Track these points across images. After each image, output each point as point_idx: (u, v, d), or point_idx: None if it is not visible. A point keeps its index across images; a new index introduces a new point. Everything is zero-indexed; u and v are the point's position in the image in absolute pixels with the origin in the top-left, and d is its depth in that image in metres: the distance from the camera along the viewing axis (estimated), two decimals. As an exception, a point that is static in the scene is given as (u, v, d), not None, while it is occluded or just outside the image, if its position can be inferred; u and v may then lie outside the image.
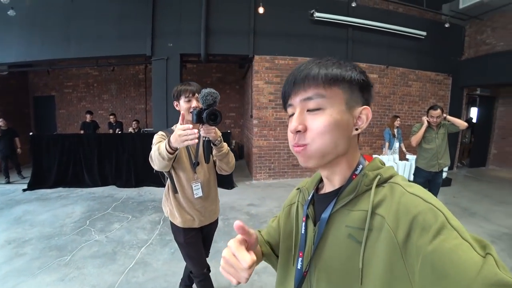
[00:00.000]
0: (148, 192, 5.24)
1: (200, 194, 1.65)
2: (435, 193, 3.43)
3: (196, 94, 1.56)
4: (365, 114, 0.55)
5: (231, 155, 1.62)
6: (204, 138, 1.43)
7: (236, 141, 8.29)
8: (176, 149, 1.35)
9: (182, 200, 1.66)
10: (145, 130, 6.93)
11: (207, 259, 1.87)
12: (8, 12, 5.32)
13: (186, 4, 5.60)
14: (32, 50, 5.81)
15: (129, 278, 2.51)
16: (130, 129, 6.79)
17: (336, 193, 0.56)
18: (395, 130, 5.39)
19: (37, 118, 8.97)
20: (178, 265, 2.60)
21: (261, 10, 5.35)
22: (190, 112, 1.51)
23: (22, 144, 6.49)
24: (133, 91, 8.68)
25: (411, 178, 5.24)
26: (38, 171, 5.82)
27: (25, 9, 5.71)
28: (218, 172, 1.73)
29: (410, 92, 6.83)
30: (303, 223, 0.62)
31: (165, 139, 1.46)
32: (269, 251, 0.76)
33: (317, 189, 0.66)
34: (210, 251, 1.99)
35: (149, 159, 1.49)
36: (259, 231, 0.81)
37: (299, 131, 0.53)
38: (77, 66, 8.00)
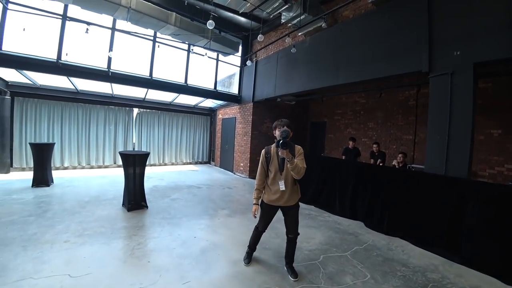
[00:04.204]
0: (401, 248, 3.89)
1: (283, 188, 2.72)
2: None
3: (285, 127, 2.71)
4: None
5: (299, 169, 2.56)
6: (280, 156, 2.58)
7: None
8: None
9: (269, 187, 2.82)
10: (413, 167, 5.58)
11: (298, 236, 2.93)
12: (291, 50, 6.51)
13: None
14: (309, 81, 6.61)
15: None
16: (394, 162, 5.76)
17: None
18: None
19: (311, 140, 10.68)
20: None
21: None
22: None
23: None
24: (401, 119, 7.57)
25: None
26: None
27: (305, 48, 6.69)
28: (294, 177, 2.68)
29: None
30: None
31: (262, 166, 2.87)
32: None
33: None
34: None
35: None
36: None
37: None
38: (346, 93, 8.36)
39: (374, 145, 6.62)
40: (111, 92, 9.09)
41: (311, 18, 6.49)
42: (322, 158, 6.45)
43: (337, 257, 3.43)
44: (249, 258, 3.17)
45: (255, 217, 2.85)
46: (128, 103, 10.04)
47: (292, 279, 2.81)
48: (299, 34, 7.48)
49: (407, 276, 3.06)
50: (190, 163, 12.26)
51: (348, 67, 5.62)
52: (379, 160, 6.38)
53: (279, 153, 2.49)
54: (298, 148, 2.73)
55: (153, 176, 8.72)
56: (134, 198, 5.02)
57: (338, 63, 5.82)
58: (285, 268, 2.99)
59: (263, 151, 2.83)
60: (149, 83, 7.93)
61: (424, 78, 4.68)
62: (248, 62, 8.24)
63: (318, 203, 5.84)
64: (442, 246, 3.76)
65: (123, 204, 5.15)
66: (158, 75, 8.11)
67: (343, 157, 6.85)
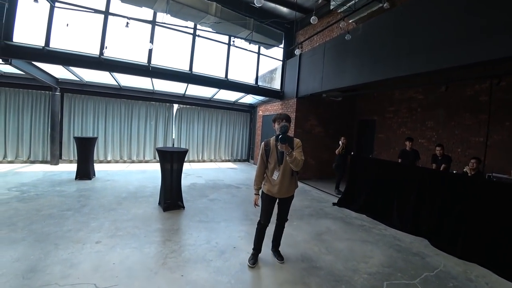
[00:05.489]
0: (484, 279, 3.06)
1: (275, 177, 2.83)
2: None
3: (284, 121, 2.77)
4: None
5: (297, 161, 2.64)
6: (279, 149, 2.67)
7: None
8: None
9: (269, 179, 2.89)
10: (493, 176, 4.57)
11: (286, 222, 3.14)
12: (346, 37, 5.71)
13: None
14: (362, 73, 5.78)
15: None
16: (466, 169, 4.82)
17: None
18: None
19: (358, 139, 9.75)
20: None
21: None
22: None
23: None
24: (468, 118, 6.42)
25: None
26: (349, 190, 5.77)
27: (358, 37, 5.85)
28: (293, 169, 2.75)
29: None
30: None
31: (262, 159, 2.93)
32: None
33: None
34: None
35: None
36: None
37: None
38: (402, 86, 7.34)
39: (438, 148, 5.67)
40: (152, 88, 9.13)
41: (366, 0, 5.69)
42: (376, 161, 5.68)
43: (404, 286, 2.78)
44: (254, 259, 3.06)
45: (257, 206, 2.94)
46: (168, 98, 10.07)
47: (279, 261, 3.11)
48: (350, 21, 6.71)
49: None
50: (229, 161, 12.06)
51: (411, 55, 4.76)
52: (443, 166, 5.44)
53: (279, 147, 2.61)
54: (297, 141, 2.85)
55: (191, 173, 8.59)
56: (171, 197, 4.78)
57: (399, 52, 4.97)
58: (271, 252, 3.28)
59: (262, 144, 2.94)
60: (189, 77, 7.74)
61: (506, 66, 3.75)
62: (297, 51, 7.50)
63: (371, 212, 5.11)
64: (543, 282, 2.90)
65: (159, 203, 4.95)
66: (198, 69, 7.90)
67: (399, 160, 6.01)
